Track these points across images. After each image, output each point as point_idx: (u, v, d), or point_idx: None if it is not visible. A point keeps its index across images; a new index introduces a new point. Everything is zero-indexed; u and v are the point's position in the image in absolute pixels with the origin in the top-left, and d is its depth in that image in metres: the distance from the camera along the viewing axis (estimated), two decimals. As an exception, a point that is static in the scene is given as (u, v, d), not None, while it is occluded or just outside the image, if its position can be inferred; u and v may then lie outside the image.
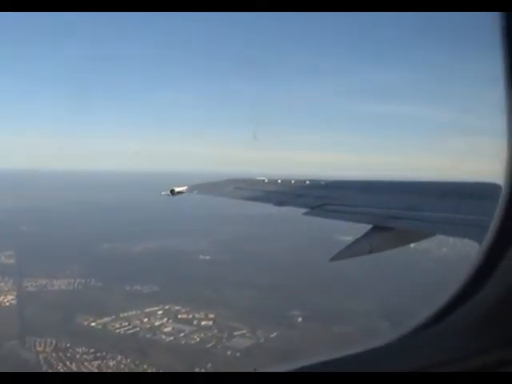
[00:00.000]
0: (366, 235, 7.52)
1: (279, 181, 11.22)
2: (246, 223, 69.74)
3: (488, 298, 2.49)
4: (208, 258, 57.32)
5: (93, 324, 40.62)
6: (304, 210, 8.98)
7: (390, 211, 8.10)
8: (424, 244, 59.12)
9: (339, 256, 7.64)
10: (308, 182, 10.82)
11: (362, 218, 8.06)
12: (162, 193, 11.27)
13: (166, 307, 43.47)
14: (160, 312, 42.83)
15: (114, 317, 41.61)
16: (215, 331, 39.85)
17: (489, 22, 2.45)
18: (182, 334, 39.28)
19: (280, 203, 9.88)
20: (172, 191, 11.11)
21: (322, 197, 9.57)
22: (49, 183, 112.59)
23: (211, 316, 41.96)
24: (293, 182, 11.03)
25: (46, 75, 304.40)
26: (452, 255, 51.52)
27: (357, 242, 7.59)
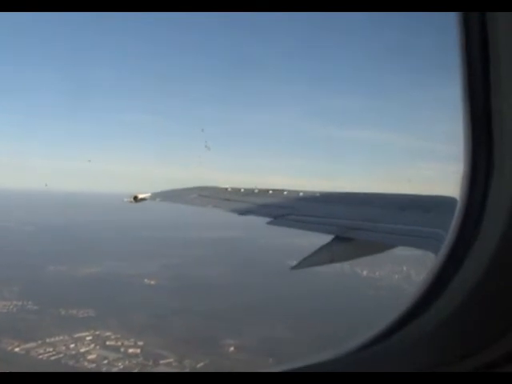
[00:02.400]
0: (328, 245, 7.66)
1: (242, 190, 11.36)
2: (202, 246, 69.21)
3: (441, 312, 2.48)
4: (153, 282, 56.30)
5: (16, 349, 39.44)
6: (267, 220, 9.08)
7: (351, 222, 8.19)
8: (378, 272, 58.84)
9: (301, 265, 8.01)
10: (271, 192, 10.84)
11: (324, 229, 8.15)
12: (125, 199, 11.22)
13: (97, 333, 42.41)
14: (89, 338, 41.75)
15: (40, 342, 40.51)
16: (140, 359, 38.88)
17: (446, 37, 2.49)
18: (105, 362, 38.25)
19: (243, 212, 9.98)
20: (135, 198, 11.11)
21: (285, 207, 9.66)
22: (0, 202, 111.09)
23: (140, 343, 40.97)
24: (256, 191, 11.12)
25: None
26: (404, 283, 51.04)
27: (319, 251, 7.71)
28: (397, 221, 8.01)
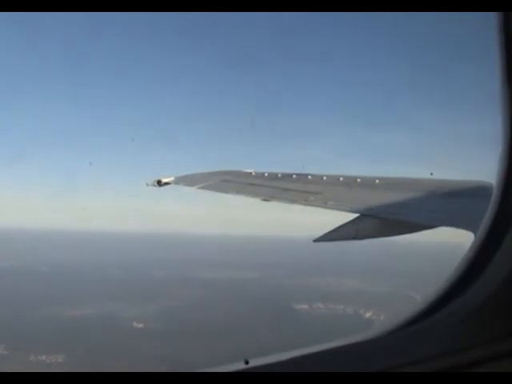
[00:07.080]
0: (353, 221, 7.75)
1: (266, 174, 11.13)
2: (206, 287, 66.27)
3: (478, 294, 2.52)
4: (141, 325, 53.33)
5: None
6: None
7: (379, 206, 8.33)
8: (383, 315, 53.22)
9: (324, 238, 8.01)
10: (295, 177, 10.69)
11: (350, 210, 8.19)
12: (148, 183, 10.89)
13: (54, 382, 39.51)
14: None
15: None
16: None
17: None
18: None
19: (267, 197, 9.97)
20: (159, 182, 10.79)
21: (309, 192, 9.55)
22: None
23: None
24: (279, 175, 10.96)
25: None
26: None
27: (343, 226, 7.78)
28: (429, 205, 8.04)
